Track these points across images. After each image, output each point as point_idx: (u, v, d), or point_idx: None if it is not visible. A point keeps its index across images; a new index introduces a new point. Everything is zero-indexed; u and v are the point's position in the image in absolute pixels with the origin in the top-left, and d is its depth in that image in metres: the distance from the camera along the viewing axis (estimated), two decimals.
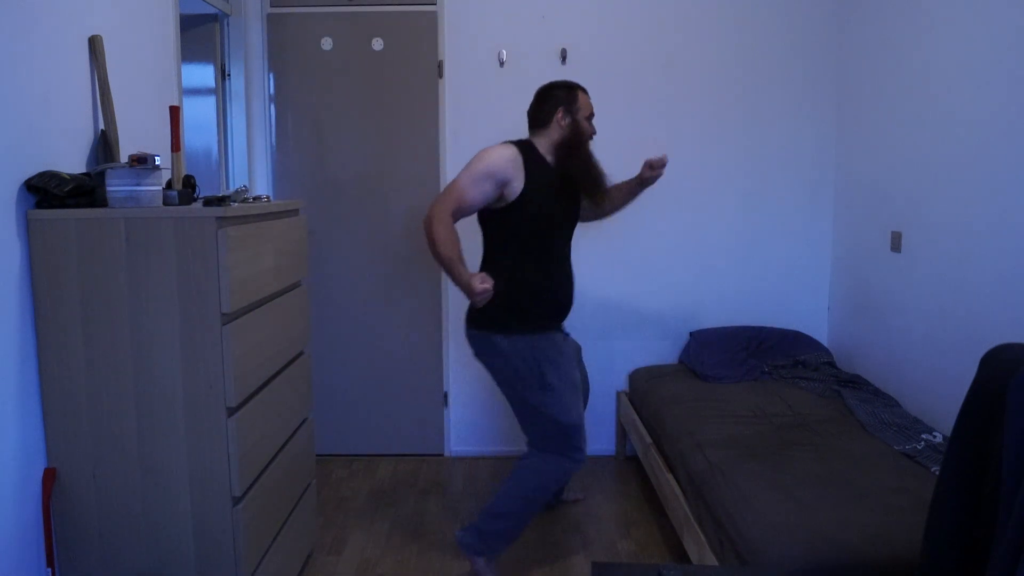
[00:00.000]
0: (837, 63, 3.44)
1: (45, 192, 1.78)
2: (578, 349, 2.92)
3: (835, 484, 2.12)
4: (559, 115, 2.46)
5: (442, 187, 3.45)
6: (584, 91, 2.54)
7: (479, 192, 2.34)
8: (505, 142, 2.45)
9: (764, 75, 3.44)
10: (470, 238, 2.55)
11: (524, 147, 2.43)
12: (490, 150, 2.39)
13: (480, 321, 2.43)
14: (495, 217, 2.42)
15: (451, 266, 2.30)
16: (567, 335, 2.62)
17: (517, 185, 2.35)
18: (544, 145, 2.47)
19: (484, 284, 2.25)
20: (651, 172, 2.56)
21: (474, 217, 2.48)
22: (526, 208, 2.37)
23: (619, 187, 2.65)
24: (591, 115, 2.53)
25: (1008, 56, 2.32)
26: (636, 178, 2.62)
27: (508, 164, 2.35)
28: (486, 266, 2.45)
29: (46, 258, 1.79)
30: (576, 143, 2.47)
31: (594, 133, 2.55)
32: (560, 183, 2.44)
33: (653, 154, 2.63)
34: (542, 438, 2.46)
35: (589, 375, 3.21)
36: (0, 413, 1.71)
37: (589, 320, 3.50)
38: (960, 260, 2.56)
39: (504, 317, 2.39)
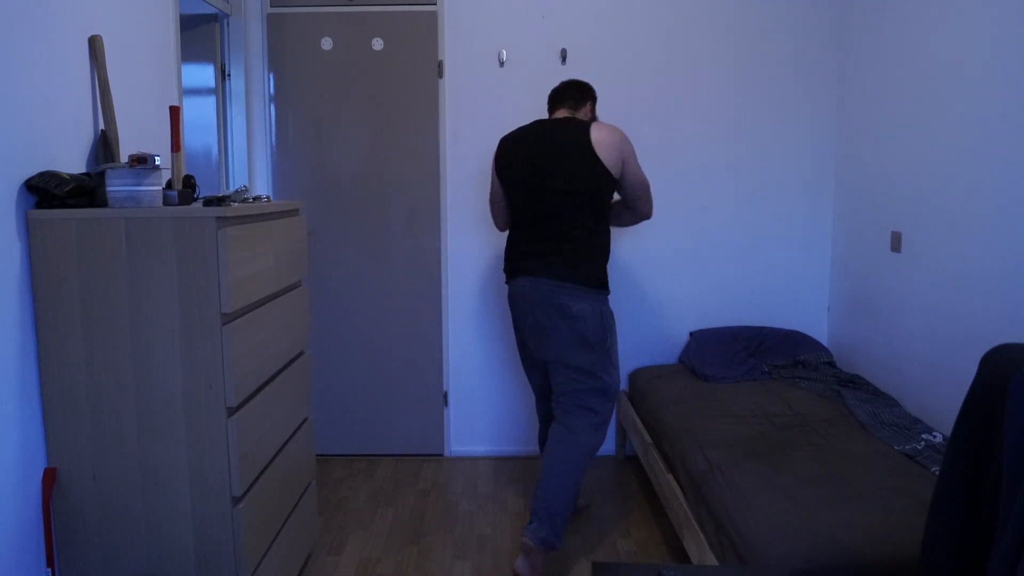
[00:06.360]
0: (837, 63, 3.44)
1: (45, 192, 1.78)
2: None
3: (835, 484, 2.12)
4: (588, 108, 2.72)
5: (442, 186, 3.47)
6: None
7: None
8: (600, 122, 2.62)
9: (764, 75, 3.44)
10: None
11: None
12: (622, 133, 2.57)
13: (591, 279, 2.52)
14: (611, 189, 2.58)
15: None
16: None
17: None
18: None
19: None
20: None
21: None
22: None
23: None
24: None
25: (1008, 56, 2.32)
26: None
27: None
28: (582, 234, 2.53)
29: (46, 258, 1.79)
30: None
31: None
32: None
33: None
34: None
35: None
36: (0, 413, 1.71)
37: None
38: (960, 260, 2.56)
39: (604, 277, 2.57)
